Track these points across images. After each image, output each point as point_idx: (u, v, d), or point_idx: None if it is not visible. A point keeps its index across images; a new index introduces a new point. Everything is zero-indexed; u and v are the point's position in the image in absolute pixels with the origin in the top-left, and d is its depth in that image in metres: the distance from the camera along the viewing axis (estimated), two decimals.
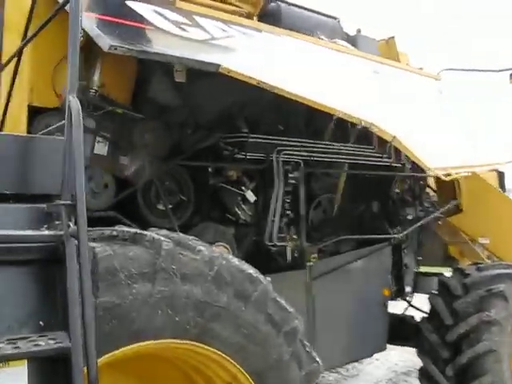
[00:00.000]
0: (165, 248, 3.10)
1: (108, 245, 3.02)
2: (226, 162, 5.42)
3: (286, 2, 6.66)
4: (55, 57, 4.42)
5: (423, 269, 7.85)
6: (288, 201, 5.83)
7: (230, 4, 5.96)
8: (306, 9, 6.87)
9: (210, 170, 5.27)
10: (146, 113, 4.88)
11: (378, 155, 6.39)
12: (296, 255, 5.81)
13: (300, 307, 5.66)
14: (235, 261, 3.51)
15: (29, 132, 4.29)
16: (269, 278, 5.67)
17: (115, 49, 3.47)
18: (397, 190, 6.99)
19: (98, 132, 4.63)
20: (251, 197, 5.56)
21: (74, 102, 2.56)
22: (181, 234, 3.47)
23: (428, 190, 7.87)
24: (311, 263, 5.75)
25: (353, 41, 7.09)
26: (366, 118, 4.31)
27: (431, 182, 7.89)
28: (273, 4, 6.50)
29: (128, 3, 4.37)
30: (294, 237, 5.80)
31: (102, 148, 4.67)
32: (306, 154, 5.79)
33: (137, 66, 4.92)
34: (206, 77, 4.99)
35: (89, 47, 4.59)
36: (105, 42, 3.52)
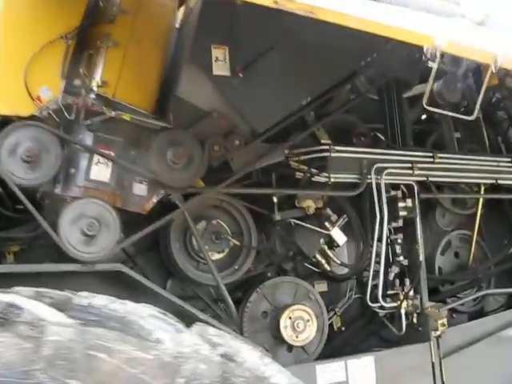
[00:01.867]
0: (52, 339, 1.32)
1: None
2: (299, 189, 3.60)
3: None
4: (28, 49, 2.92)
5: None
6: (399, 242, 3.85)
7: None
8: None
9: (275, 200, 3.46)
10: (173, 120, 3.23)
11: None
12: (415, 321, 3.77)
13: None
14: (241, 355, 1.65)
15: None
16: (371, 357, 3.77)
17: None
18: None
19: (96, 148, 3.04)
20: (340, 238, 3.64)
21: None
22: (131, 306, 1.69)
23: None
24: (439, 332, 3.67)
25: None
26: None
27: None
28: None
29: None
30: (412, 294, 3.79)
31: (103, 172, 3.03)
32: (420, 172, 3.81)
33: (162, 58, 3.34)
34: (263, 66, 3.29)
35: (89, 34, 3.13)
36: None
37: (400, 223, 3.77)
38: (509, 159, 4.17)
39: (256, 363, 1.68)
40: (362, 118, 4.18)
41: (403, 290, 3.69)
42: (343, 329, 3.95)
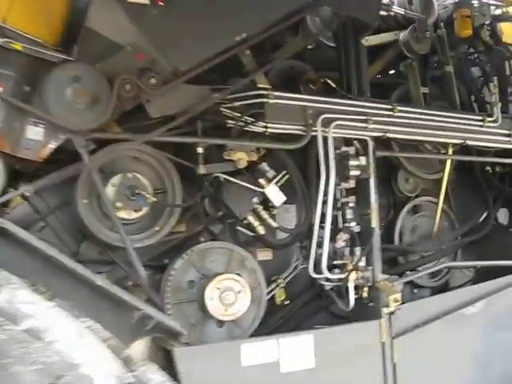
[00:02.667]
0: None
1: None
2: (229, 139, 3.03)
3: None
4: None
5: None
6: (351, 205, 3.33)
7: None
8: None
9: (199, 150, 2.93)
10: (82, 55, 2.69)
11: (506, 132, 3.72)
12: (366, 295, 3.27)
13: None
14: (54, 332, 1.18)
15: None
16: (309, 336, 3.19)
17: None
18: None
19: None
20: (277, 197, 3.12)
21: None
22: None
23: None
24: (391, 309, 3.17)
25: None
26: None
27: None
28: None
29: None
30: (363, 265, 3.28)
31: None
32: (376, 126, 3.28)
33: None
34: None
35: None
36: None
37: (352, 184, 3.26)
38: (480, 118, 3.64)
39: (70, 345, 1.19)
40: (318, 67, 3.65)
41: (352, 261, 3.19)
42: (287, 302, 3.46)
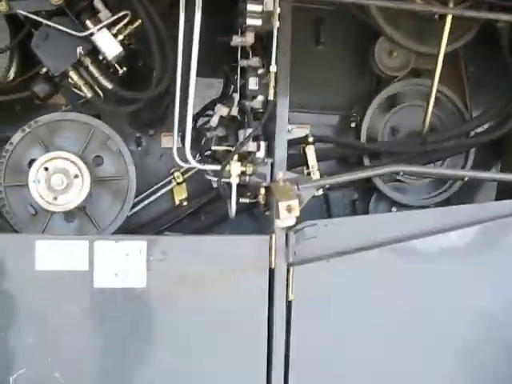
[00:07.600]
0: None
1: None
2: None
3: None
4: None
5: None
6: (260, 72, 2.09)
7: None
8: None
9: None
10: None
11: None
12: (262, 200, 2.12)
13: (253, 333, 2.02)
14: None
15: None
16: (140, 242, 1.85)
17: None
18: None
19: None
20: (108, 45, 1.88)
21: None
22: None
23: None
24: (288, 222, 1.95)
25: None
26: None
27: None
28: None
29: None
30: (261, 156, 2.07)
31: None
32: None
33: None
34: None
35: None
36: None
37: (250, 38, 2.04)
38: None
39: None
40: None
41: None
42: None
